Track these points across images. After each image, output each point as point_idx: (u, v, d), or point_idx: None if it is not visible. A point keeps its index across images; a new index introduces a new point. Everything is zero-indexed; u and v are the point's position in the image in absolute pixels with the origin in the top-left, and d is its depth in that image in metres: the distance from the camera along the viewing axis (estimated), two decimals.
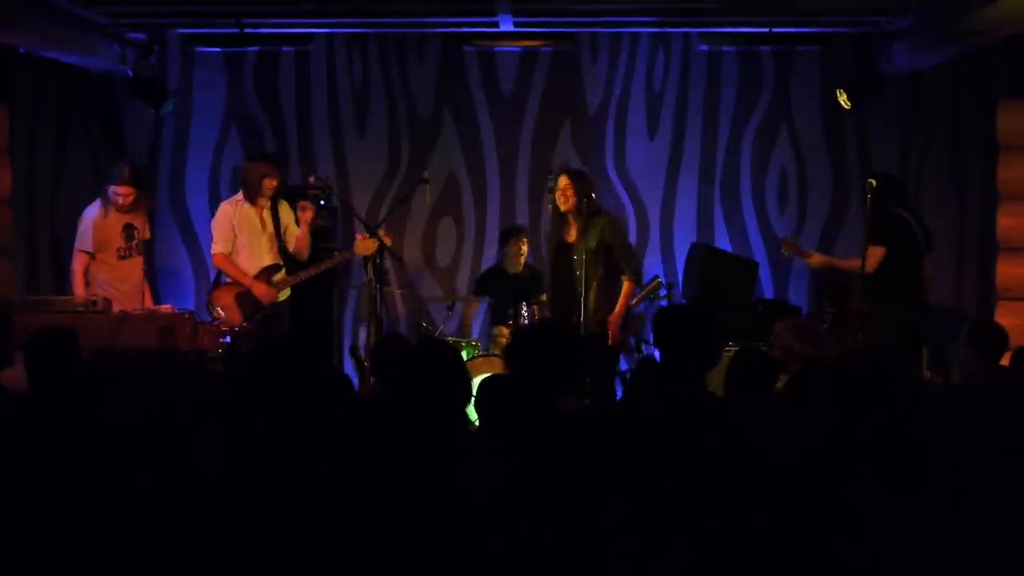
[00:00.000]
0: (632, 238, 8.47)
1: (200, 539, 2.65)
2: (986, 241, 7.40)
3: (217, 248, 6.92)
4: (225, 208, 6.99)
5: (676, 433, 3.07)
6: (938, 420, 3.41)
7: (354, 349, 7.80)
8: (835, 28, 7.96)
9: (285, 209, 7.06)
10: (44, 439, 3.35)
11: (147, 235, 7.22)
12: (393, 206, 8.01)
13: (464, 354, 6.96)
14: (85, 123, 8.23)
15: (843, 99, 7.64)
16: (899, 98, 8.22)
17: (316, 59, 8.55)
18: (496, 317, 7.60)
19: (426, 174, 7.42)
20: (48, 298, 6.70)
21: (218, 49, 8.46)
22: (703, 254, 8.06)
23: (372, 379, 6.02)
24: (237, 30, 7.64)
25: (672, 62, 8.53)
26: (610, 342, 6.43)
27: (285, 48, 8.50)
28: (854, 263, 6.50)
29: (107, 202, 6.86)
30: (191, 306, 7.82)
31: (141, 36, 7.91)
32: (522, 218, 8.46)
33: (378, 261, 6.75)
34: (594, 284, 6.36)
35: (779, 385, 4.31)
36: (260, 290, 6.84)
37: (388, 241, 6.84)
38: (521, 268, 7.76)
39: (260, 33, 8.07)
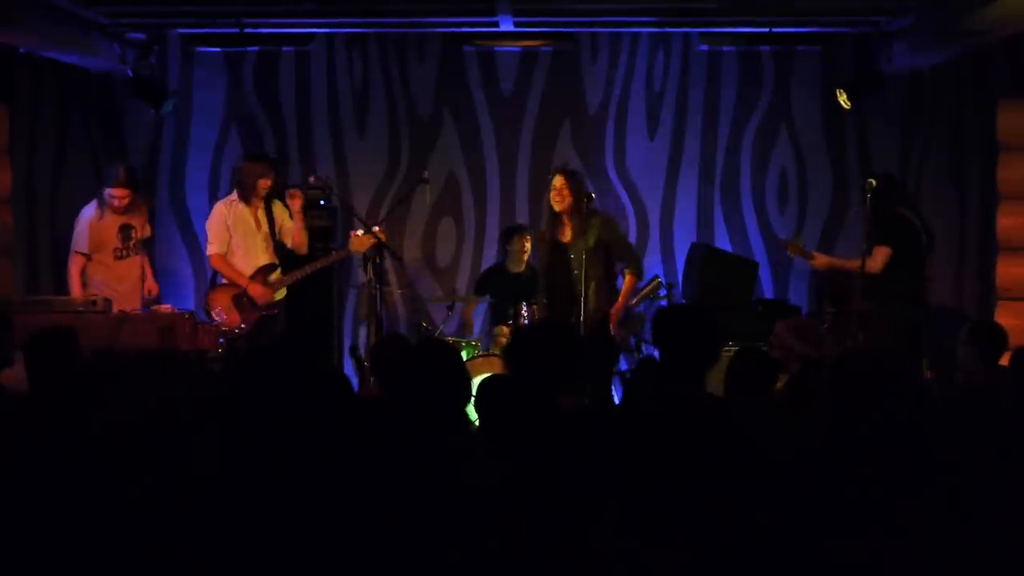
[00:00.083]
0: (632, 238, 8.48)
1: (200, 539, 2.65)
2: (986, 241, 7.40)
3: (213, 249, 6.92)
4: (219, 208, 6.99)
5: (676, 433, 3.07)
6: (938, 420, 3.41)
7: (354, 349, 7.80)
8: (835, 28, 7.96)
9: (279, 208, 7.07)
10: (44, 439, 3.35)
11: (148, 233, 7.23)
12: (393, 206, 8.01)
13: (464, 354, 6.96)
14: (85, 123, 8.23)
15: (843, 99, 7.64)
16: (899, 98, 8.22)
17: (316, 59, 8.55)
18: (496, 317, 7.60)
19: (426, 174, 7.43)
20: (48, 298, 6.71)
21: (218, 49, 8.46)
22: (703, 254, 8.06)
23: (372, 379, 6.02)
24: (237, 30, 7.65)
25: (672, 62, 8.53)
26: (611, 332, 6.44)
27: (285, 48, 8.51)
28: (858, 263, 6.49)
29: (103, 204, 6.88)
30: (191, 306, 7.82)
31: (141, 36, 7.91)
32: (522, 218, 8.45)
33: (378, 261, 6.75)
34: (593, 284, 6.37)
35: (779, 385, 4.31)
36: (256, 291, 6.84)
37: (383, 237, 6.85)
38: (523, 267, 7.76)
39: (260, 33, 8.06)
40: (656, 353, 3.69)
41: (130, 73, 7.76)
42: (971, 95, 7.56)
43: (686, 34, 8.43)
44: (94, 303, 6.25)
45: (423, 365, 3.59)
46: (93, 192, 7.15)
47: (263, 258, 6.95)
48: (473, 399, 3.62)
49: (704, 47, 8.47)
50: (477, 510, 2.74)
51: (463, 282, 8.58)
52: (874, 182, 6.49)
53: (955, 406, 3.63)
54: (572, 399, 3.78)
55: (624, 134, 8.58)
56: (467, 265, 8.64)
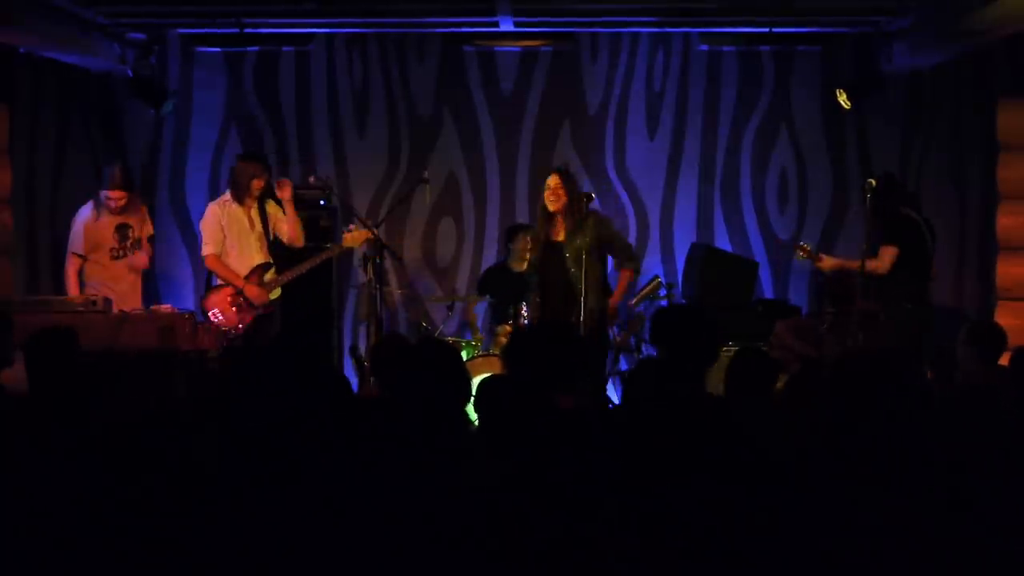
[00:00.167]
0: (632, 238, 8.49)
1: (200, 539, 2.65)
2: (986, 241, 7.40)
3: (208, 249, 6.93)
4: (213, 208, 6.99)
5: (676, 433, 3.07)
6: (938, 420, 3.41)
7: (354, 349, 7.81)
8: (835, 28, 7.96)
9: (272, 206, 7.06)
10: (44, 439, 3.35)
11: (150, 231, 7.22)
12: (393, 206, 8.01)
13: (464, 354, 6.96)
14: (85, 123, 8.23)
15: (843, 99, 7.64)
16: (899, 98, 8.22)
17: (316, 59, 8.55)
18: (497, 316, 7.60)
19: (426, 174, 7.43)
20: (48, 298, 6.72)
21: (218, 49, 8.46)
22: (703, 254, 8.06)
23: (372, 379, 6.02)
24: (237, 30, 7.65)
25: (672, 62, 8.53)
26: (608, 323, 6.48)
27: (285, 48, 8.51)
28: (869, 264, 6.48)
29: (99, 205, 6.88)
30: (191, 306, 7.82)
31: (141, 36, 7.91)
32: (522, 218, 8.45)
33: (378, 261, 6.75)
34: (591, 283, 6.36)
35: (779, 385, 4.31)
36: (252, 291, 6.85)
37: (374, 232, 6.84)
38: (526, 266, 7.76)
39: (260, 33, 8.07)
40: (655, 353, 3.70)
41: (130, 73, 7.76)
42: (971, 95, 7.56)
43: (686, 34, 8.43)
44: (94, 303, 6.25)
45: (423, 365, 3.59)
46: (93, 192, 7.15)
47: (258, 257, 6.94)
48: (472, 399, 3.62)
49: (704, 47, 8.47)
50: (477, 510, 2.74)
51: (463, 282, 8.58)
52: (874, 182, 6.49)
53: (955, 406, 3.63)
54: (571, 399, 3.78)
55: (624, 134, 8.58)
56: (467, 265, 8.64)
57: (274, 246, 7.08)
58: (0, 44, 6.93)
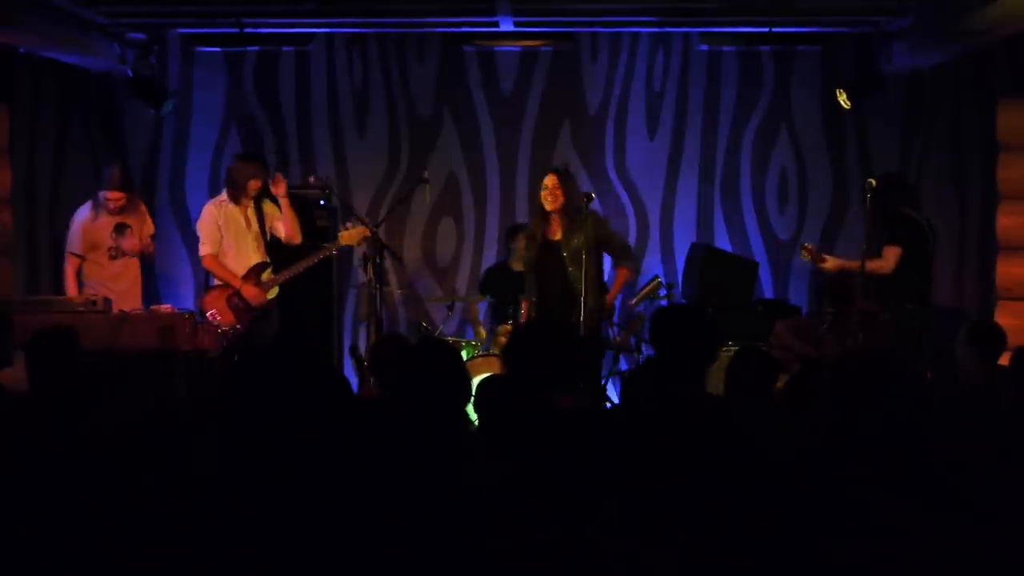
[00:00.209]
0: (632, 238, 8.50)
1: (200, 539, 2.65)
2: (986, 241, 7.40)
3: (205, 249, 6.93)
4: (210, 209, 6.99)
5: (676, 433, 3.07)
6: (938, 420, 3.41)
7: (354, 349, 7.81)
8: (835, 28, 7.96)
9: (268, 206, 7.06)
10: (44, 439, 3.35)
11: (150, 230, 7.21)
12: (393, 206, 8.01)
13: (464, 354, 6.96)
14: (85, 123, 8.24)
15: (843, 99, 7.64)
16: (899, 98, 8.22)
17: (316, 59, 8.55)
18: (497, 316, 7.60)
19: (426, 174, 7.43)
20: (48, 298, 6.72)
21: (218, 49, 8.46)
22: (703, 254, 8.06)
23: (372, 379, 6.02)
24: (237, 30, 7.65)
25: (672, 62, 8.53)
26: (605, 320, 6.51)
27: (285, 48, 8.51)
28: (872, 265, 6.46)
29: (98, 205, 6.88)
30: (191, 306, 7.82)
31: (141, 36, 7.92)
32: (522, 218, 8.45)
33: (378, 261, 6.75)
34: (591, 283, 6.36)
35: (779, 385, 4.31)
36: (250, 292, 6.85)
37: (370, 231, 6.84)
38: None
39: (260, 33, 8.07)
40: (653, 353, 3.70)
41: (130, 73, 7.77)
42: (971, 95, 7.56)
43: (686, 34, 8.43)
44: (94, 303, 6.26)
45: (423, 365, 3.59)
46: (93, 192, 7.15)
47: (255, 257, 6.94)
48: (472, 399, 3.62)
49: (704, 47, 8.47)
50: (477, 510, 2.74)
51: (463, 282, 8.58)
52: (874, 182, 6.48)
53: (955, 406, 3.63)
54: (571, 399, 3.78)
55: (624, 134, 8.58)
56: (467, 265, 8.64)
57: (271, 245, 7.08)
58: (0, 44, 6.94)
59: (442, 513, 2.71)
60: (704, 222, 8.58)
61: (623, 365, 8.13)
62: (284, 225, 7.02)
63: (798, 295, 8.46)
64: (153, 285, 8.33)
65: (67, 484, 2.91)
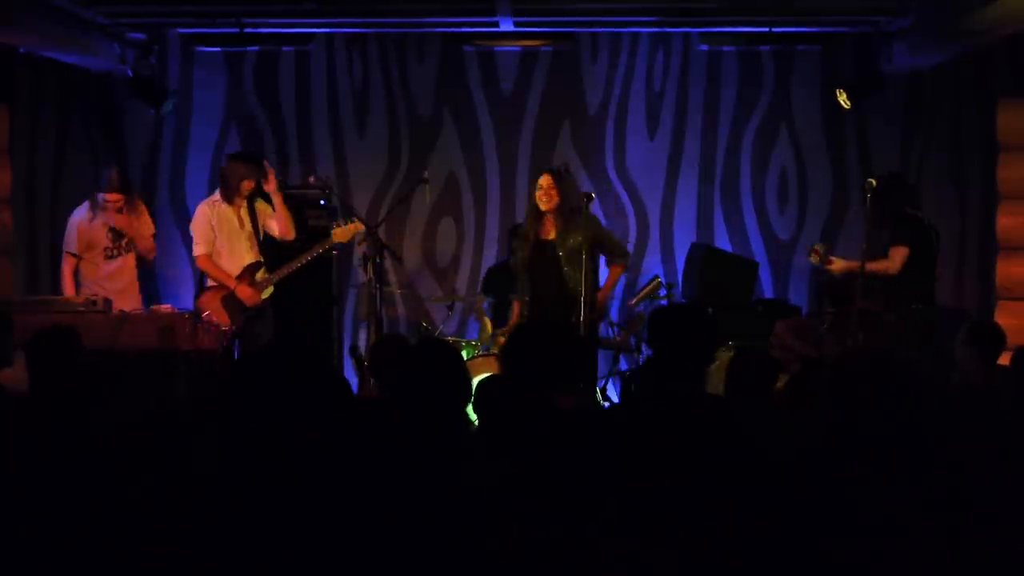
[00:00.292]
0: (632, 238, 8.51)
1: (200, 540, 2.65)
2: (986, 241, 7.40)
3: (199, 250, 6.91)
4: (203, 209, 6.98)
5: (676, 433, 3.07)
6: (938, 420, 3.41)
7: (354, 349, 7.81)
8: (835, 28, 7.97)
9: (261, 204, 7.05)
10: (44, 439, 3.35)
11: (151, 229, 7.20)
12: (393, 206, 8.01)
13: (464, 354, 6.96)
14: (85, 123, 8.24)
15: (843, 99, 7.64)
16: (899, 98, 8.23)
17: (316, 59, 8.55)
18: (499, 316, 7.60)
19: (426, 174, 7.42)
20: (48, 298, 6.72)
21: (218, 49, 8.46)
22: (703, 254, 8.07)
23: (372, 379, 6.02)
24: (237, 30, 7.66)
25: (672, 62, 8.53)
26: (597, 318, 6.50)
27: (285, 48, 8.51)
28: (879, 265, 6.45)
29: (96, 206, 6.87)
30: (191, 306, 7.82)
31: (141, 36, 7.92)
32: (522, 218, 8.43)
33: (378, 261, 6.75)
34: (590, 284, 6.36)
35: (779, 385, 4.31)
36: (244, 293, 6.84)
37: (361, 227, 6.84)
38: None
39: (260, 33, 8.07)
40: (651, 353, 3.70)
41: (130, 73, 7.77)
42: (971, 95, 7.56)
43: (686, 34, 8.43)
44: (94, 303, 6.25)
45: (423, 365, 3.59)
46: (92, 192, 7.14)
47: (248, 257, 6.94)
48: (472, 399, 3.62)
49: (704, 47, 8.47)
50: (477, 510, 2.74)
51: (463, 282, 8.59)
52: (874, 182, 6.47)
53: (955, 406, 3.63)
54: (571, 399, 3.78)
55: (624, 134, 8.59)
56: (467, 265, 8.64)
57: (265, 244, 7.06)
58: (0, 44, 6.94)
59: (442, 513, 2.71)
60: (704, 222, 8.58)
61: (623, 365, 8.13)
62: (277, 222, 6.99)
63: (798, 295, 8.46)
64: (153, 285, 8.33)
65: (67, 484, 2.91)
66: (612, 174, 8.58)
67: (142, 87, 7.70)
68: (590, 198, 6.48)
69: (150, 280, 8.24)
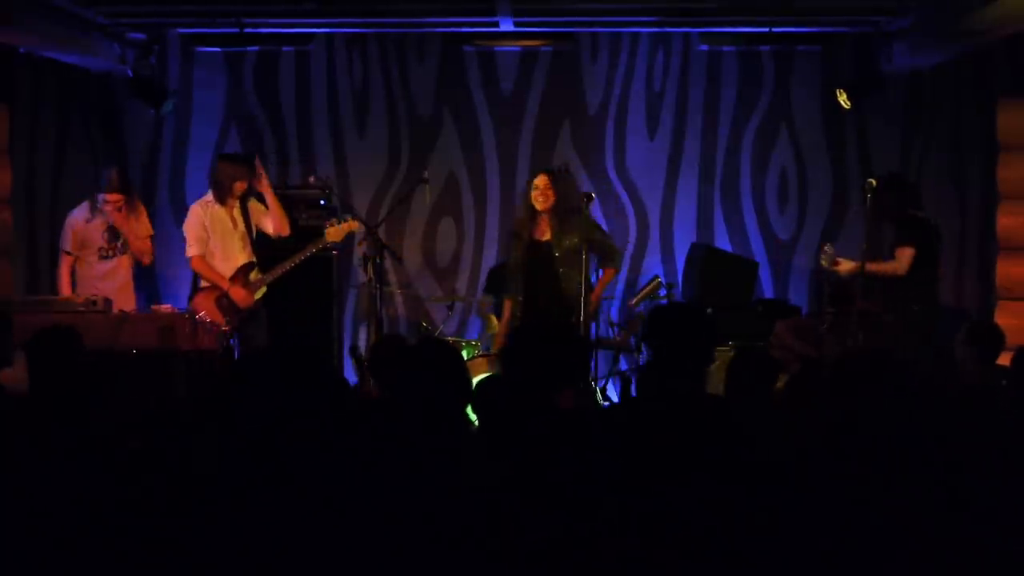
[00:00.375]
0: (632, 238, 8.51)
1: (200, 539, 2.65)
2: (986, 241, 7.40)
3: (192, 251, 6.90)
4: (196, 210, 6.96)
5: (675, 432, 3.07)
6: (938, 420, 3.41)
7: (354, 349, 7.80)
8: (835, 28, 7.97)
9: (254, 204, 7.04)
10: (44, 439, 3.35)
11: (149, 231, 7.19)
12: (393, 206, 8.01)
13: (464, 354, 6.96)
14: (85, 123, 8.24)
15: (843, 99, 7.64)
16: (899, 98, 8.22)
17: (316, 59, 8.55)
18: (500, 315, 7.59)
19: (426, 174, 7.42)
20: (48, 298, 6.71)
21: (218, 49, 8.46)
22: (703, 254, 8.07)
23: (371, 379, 6.02)
24: (237, 30, 7.65)
25: (672, 62, 8.53)
26: (591, 308, 6.48)
27: (285, 48, 8.51)
28: (886, 267, 6.44)
29: (95, 206, 6.87)
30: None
31: (141, 36, 7.92)
32: None
33: (378, 261, 6.75)
34: (587, 284, 6.34)
35: (779, 385, 4.31)
36: (238, 294, 6.82)
37: (355, 226, 6.83)
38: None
39: (260, 33, 8.07)
40: (649, 352, 3.69)
41: (130, 73, 7.77)
42: (971, 95, 7.56)
43: (686, 34, 8.43)
44: (94, 303, 6.25)
45: (423, 365, 3.59)
46: (93, 193, 7.14)
47: (241, 258, 6.92)
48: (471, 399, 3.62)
49: (704, 47, 8.47)
50: (476, 510, 2.74)
51: (463, 282, 8.58)
52: (874, 182, 6.46)
53: (954, 406, 3.63)
54: (571, 399, 3.78)
55: (624, 134, 8.58)
56: (467, 265, 8.64)
57: (259, 244, 7.04)
58: (0, 44, 6.94)
59: (442, 513, 2.71)
60: (704, 222, 8.58)
61: (623, 365, 8.13)
62: (271, 219, 6.98)
63: (798, 295, 8.46)
64: (153, 285, 8.33)
65: (67, 484, 2.91)
66: (612, 174, 8.58)
67: (142, 87, 7.69)
68: (590, 198, 6.48)
69: (150, 280, 8.25)
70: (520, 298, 6.58)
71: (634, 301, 7.72)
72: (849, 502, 2.85)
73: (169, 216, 8.56)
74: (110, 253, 6.96)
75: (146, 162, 8.54)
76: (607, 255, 6.67)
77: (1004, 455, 3.21)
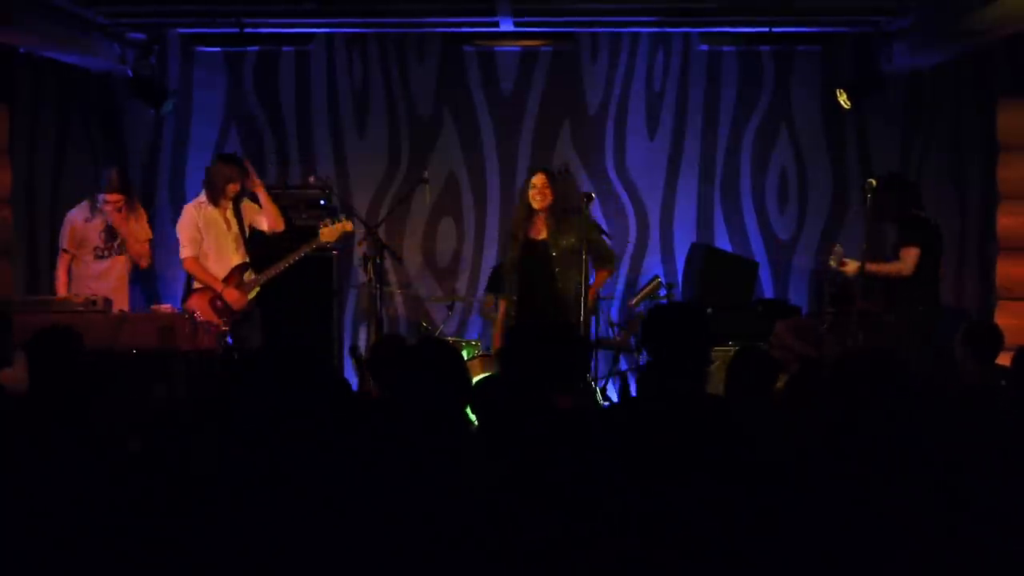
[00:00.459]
0: (632, 238, 8.50)
1: (200, 540, 2.65)
2: (986, 241, 7.40)
3: (186, 252, 6.89)
4: (189, 211, 6.96)
5: (675, 432, 3.07)
6: (937, 420, 3.41)
7: (354, 349, 7.80)
8: (835, 28, 7.97)
9: (247, 204, 7.03)
10: (44, 439, 3.36)
11: (148, 234, 7.19)
12: (393, 206, 8.01)
13: (464, 354, 6.96)
14: (85, 123, 8.24)
15: (843, 99, 7.63)
16: (899, 98, 8.22)
17: (316, 59, 8.55)
18: None
19: (426, 174, 7.43)
20: (48, 298, 6.71)
21: (218, 49, 8.46)
22: (703, 254, 8.07)
23: (371, 379, 6.02)
24: (237, 30, 7.65)
25: (672, 62, 8.53)
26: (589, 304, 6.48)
27: (285, 48, 8.51)
28: (891, 267, 6.43)
29: (94, 206, 6.87)
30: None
31: (141, 36, 7.92)
32: None
33: (378, 261, 6.75)
34: (585, 284, 6.34)
35: (779, 385, 4.31)
36: (232, 296, 6.81)
37: (350, 226, 6.83)
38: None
39: (260, 33, 8.07)
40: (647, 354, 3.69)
41: (130, 73, 7.77)
42: (971, 95, 7.56)
43: (686, 34, 8.43)
44: (94, 303, 6.25)
45: (423, 365, 3.59)
46: (93, 193, 7.14)
47: (235, 259, 6.92)
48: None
49: (704, 47, 8.47)
50: (476, 510, 2.74)
51: (463, 282, 8.58)
52: (874, 182, 6.45)
53: (954, 406, 3.63)
54: (570, 399, 3.78)
55: (624, 134, 8.58)
56: (467, 265, 8.64)
57: (252, 244, 7.03)
58: (0, 44, 6.94)
59: (441, 513, 2.71)
60: (704, 222, 8.58)
61: (623, 365, 8.13)
62: (265, 216, 6.97)
63: (798, 295, 8.46)
64: (153, 285, 8.33)
65: (67, 484, 2.91)
66: (612, 174, 8.58)
67: (142, 87, 7.69)
68: (590, 198, 6.48)
69: (150, 281, 8.25)
70: (515, 297, 6.57)
71: (634, 301, 7.72)
72: (849, 502, 2.85)
73: (169, 216, 8.53)
74: (106, 253, 6.96)
75: (146, 162, 8.54)
76: (602, 257, 6.66)
77: (1004, 455, 3.21)
